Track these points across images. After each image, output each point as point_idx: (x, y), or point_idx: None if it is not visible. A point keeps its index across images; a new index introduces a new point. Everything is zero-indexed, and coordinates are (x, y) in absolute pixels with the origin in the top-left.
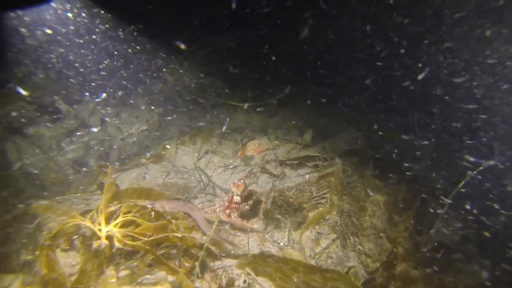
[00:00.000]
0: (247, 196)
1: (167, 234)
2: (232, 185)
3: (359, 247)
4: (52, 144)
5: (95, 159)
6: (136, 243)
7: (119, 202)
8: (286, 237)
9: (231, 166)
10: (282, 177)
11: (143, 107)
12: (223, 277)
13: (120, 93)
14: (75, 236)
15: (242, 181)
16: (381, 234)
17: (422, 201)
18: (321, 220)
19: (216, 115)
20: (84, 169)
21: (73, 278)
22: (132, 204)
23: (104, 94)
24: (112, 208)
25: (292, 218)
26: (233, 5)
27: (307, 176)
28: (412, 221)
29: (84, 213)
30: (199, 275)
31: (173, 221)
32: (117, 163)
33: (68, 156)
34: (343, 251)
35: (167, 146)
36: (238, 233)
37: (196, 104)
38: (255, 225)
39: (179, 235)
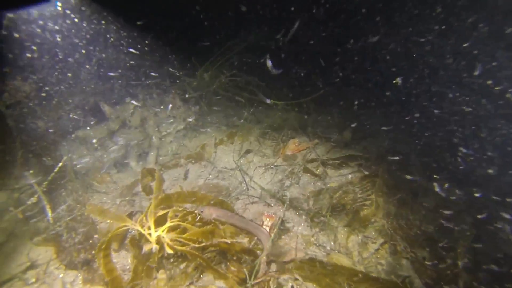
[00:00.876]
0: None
1: (216, 240)
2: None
3: (412, 254)
4: (97, 145)
5: (135, 159)
6: (184, 248)
7: (166, 205)
8: (332, 240)
9: (272, 166)
10: (324, 177)
11: (180, 107)
12: (271, 282)
13: (156, 93)
14: (127, 239)
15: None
16: (435, 241)
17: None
18: (367, 223)
19: (253, 113)
20: (125, 169)
21: (126, 278)
22: (179, 209)
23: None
24: (160, 212)
25: (337, 221)
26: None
27: (350, 176)
28: (473, 230)
29: (130, 215)
30: (252, 283)
31: (221, 226)
32: (154, 164)
33: (111, 156)
34: (394, 257)
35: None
36: (284, 236)
37: (233, 102)
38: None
39: (228, 241)
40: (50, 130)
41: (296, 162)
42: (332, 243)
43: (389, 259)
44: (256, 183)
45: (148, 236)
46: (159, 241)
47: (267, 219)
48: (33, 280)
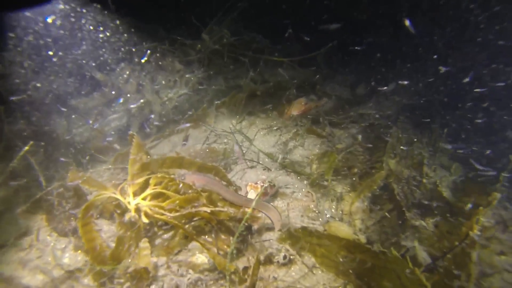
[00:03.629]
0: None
1: (196, 209)
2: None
3: (421, 222)
4: (95, 114)
5: (137, 127)
6: (162, 217)
7: (151, 172)
8: (334, 207)
9: (275, 128)
10: (331, 139)
11: (180, 70)
12: (261, 252)
13: (155, 56)
14: (112, 208)
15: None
16: (451, 208)
17: None
18: (375, 187)
19: (259, 73)
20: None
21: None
22: (160, 175)
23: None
24: (142, 180)
25: (341, 185)
26: None
27: (360, 136)
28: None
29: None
30: (234, 251)
31: (203, 194)
32: (149, 130)
33: (112, 125)
34: (401, 226)
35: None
36: (279, 202)
37: (237, 62)
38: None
39: (208, 210)
40: (46, 101)
41: (301, 123)
42: (333, 210)
43: (396, 228)
44: (256, 146)
45: (127, 204)
46: (139, 210)
47: (251, 190)
48: (26, 246)
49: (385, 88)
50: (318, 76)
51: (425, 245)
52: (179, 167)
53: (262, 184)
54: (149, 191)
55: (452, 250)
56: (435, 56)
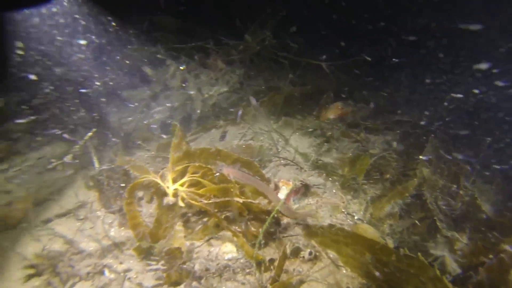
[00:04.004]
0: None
1: (228, 199)
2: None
3: (454, 233)
4: (141, 106)
5: (179, 120)
6: (199, 204)
7: (189, 162)
8: (363, 210)
9: (311, 129)
10: (365, 143)
11: (222, 69)
12: (288, 246)
13: (198, 56)
14: (151, 191)
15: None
16: (489, 222)
17: None
18: (407, 195)
19: (299, 76)
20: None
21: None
22: (198, 165)
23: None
24: (181, 167)
25: (372, 190)
26: None
27: (395, 143)
28: None
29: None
30: (262, 242)
31: (237, 185)
32: (196, 125)
33: (155, 116)
34: (431, 235)
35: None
36: (309, 200)
37: (277, 64)
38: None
39: (240, 201)
40: (103, 93)
41: (337, 126)
42: (362, 213)
43: (425, 235)
44: (291, 146)
45: (166, 189)
46: (176, 195)
47: (283, 186)
48: (82, 217)
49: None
50: (356, 81)
51: (456, 257)
52: (216, 159)
53: (295, 183)
54: (186, 178)
55: (487, 263)
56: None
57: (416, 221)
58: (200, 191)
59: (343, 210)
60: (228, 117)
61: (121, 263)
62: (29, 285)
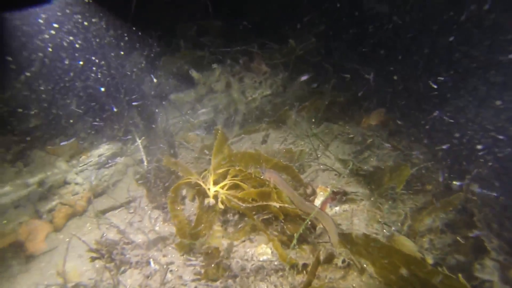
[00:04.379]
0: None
1: (267, 203)
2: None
3: (507, 257)
4: (187, 108)
5: (222, 122)
6: (237, 206)
7: (230, 165)
8: (401, 221)
9: (352, 136)
10: (408, 152)
11: (266, 72)
12: (322, 251)
13: (242, 59)
14: (194, 191)
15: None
16: None
17: None
18: (451, 209)
19: (344, 80)
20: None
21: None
22: (239, 169)
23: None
24: (222, 170)
25: (412, 201)
26: None
27: (440, 153)
28: None
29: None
30: (296, 247)
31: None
32: (239, 128)
33: (200, 118)
34: (477, 255)
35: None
36: (346, 207)
37: (321, 68)
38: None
39: (277, 205)
40: (153, 95)
41: (378, 133)
42: (400, 224)
43: (470, 256)
44: (330, 152)
45: (207, 191)
46: (216, 197)
47: (321, 192)
48: (132, 210)
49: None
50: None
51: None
52: (257, 163)
53: (333, 189)
54: (227, 181)
55: None
56: None
57: (459, 238)
58: (239, 194)
59: (379, 220)
60: (271, 120)
61: (164, 256)
62: (94, 265)
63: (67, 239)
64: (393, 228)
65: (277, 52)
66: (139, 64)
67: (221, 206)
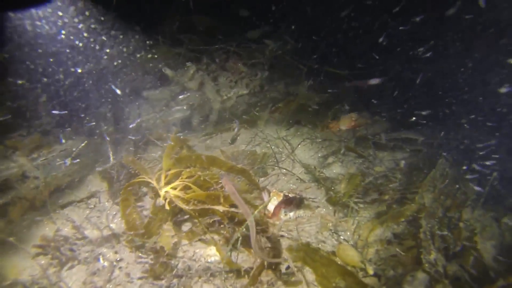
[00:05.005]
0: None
1: (210, 206)
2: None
3: (439, 269)
4: (162, 105)
5: (197, 120)
6: (184, 207)
7: (186, 166)
8: (351, 230)
9: (319, 140)
10: (372, 159)
11: (243, 72)
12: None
13: (219, 58)
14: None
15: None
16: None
17: None
18: (402, 220)
19: (319, 83)
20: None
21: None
22: (193, 169)
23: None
24: (175, 171)
25: (367, 211)
26: None
27: (403, 162)
28: None
29: None
30: (230, 252)
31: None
32: (213, 126)
33: (176, 115)
34: (418, 267)
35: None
36: (301, 213)
37: (296, 70)
38: None
39: (221, 209)
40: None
41: (345, 139)
42: (349, 233)
43: (410, 267)
44: (296, 156)
45: (159, 191)
46: (165, 197)
47: (274, 196)
48: (92, 206)
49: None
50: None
51: None
52: (211, 165)
53: (286, 194)
54: (177, 182)
55: None
56: None
57: (398, 249)
58: (186, 196)
59: (330, 228)
60: (241, 120)
61: (116, 252)
62: (36, 262)
63: (24, 231)
64: (341, 237)
65: (255, 51)
66: (116, 59)
67: (167, 206)
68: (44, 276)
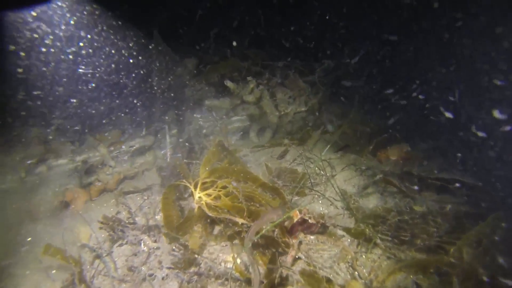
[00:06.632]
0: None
1: (231, 217)
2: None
3: None
4: (222, 114)
5: (255, 132)
6: (211, 212)
7: (222, 175)
8: (369, 268)
9: (364, 167)
10: (412, 196)
11: (302, 89)
12: (279, 274)
13: (279, 74)
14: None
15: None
16: None
17: None
18: (431, 271)
19: (376, 109)
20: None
21: None
22: (227, 180)
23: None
24: (207, 179)
25: (393, 250)
26: None
27: (449, 207)
28: None
29: None
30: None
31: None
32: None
33: (234, 125)
34: None
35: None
36: (323, 238)
37: (354, 93)
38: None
39: (239, 222)
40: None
41: (390, 170)
42: (365, 272)
43: None
44: (336, 180)
45: (194, 195)
46: (199, 202)
47: (293, 216)
48: (146, 197)
49: None
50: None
51: None
52: (244, 179)
53: (308, 217)
54: (211, 190)
55: None
56: None
57: None
58: (217, 204)
59: (348, 261)
60: (293, 137)
61: (155, 241)
62: (100, 233)
63: (98, 207)
64: (356, 273)
65: (318, 70)
66: (186, 69)
67: (196, 210)
68: (100, 247)
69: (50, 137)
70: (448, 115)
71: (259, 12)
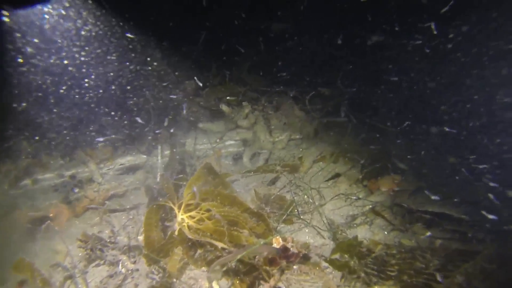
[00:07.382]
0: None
1: (211, 241)
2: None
3: None
4: (216, 137)
5: (248, 156)
6: (193, 237)
7: (207, 198)
8: None
9: (354, 197)
10: (403, 230)
11: (298, 116)
12: None
13: (276, 100)
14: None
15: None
16: None
17: None
18: None
19: (370, 137)
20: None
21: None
22: (211, 203)
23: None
24: (190, 201)
25: (377, 285)
26: None
27: (439, 242)
28: None
29: None
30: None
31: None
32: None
33: (228, 149)
34: None
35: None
36: (305, 268)
37: (351, 121)
38: None
39: (219, 246)
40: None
41: (381, 202)
42: None
43: None
44: (324, 210)
45: (177, 217)
46: (182, 224)
47: (275, 243)
48: (131, 216)
49: None
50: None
51: None
52: (231, 204)
53: (288, 245)
54: (194, 212)
55: None
56: None
57: None
58: (200, 227)
59: None
60: (285, 163)
61: (134, 263)
62: (77, 251)
63: (81, 224)
64: None
65: (313, 97)
66: (183, 91)
67: (177, 232)
68: (75, 266)
69: (40, 151)
70: None
71: (259, 39)
